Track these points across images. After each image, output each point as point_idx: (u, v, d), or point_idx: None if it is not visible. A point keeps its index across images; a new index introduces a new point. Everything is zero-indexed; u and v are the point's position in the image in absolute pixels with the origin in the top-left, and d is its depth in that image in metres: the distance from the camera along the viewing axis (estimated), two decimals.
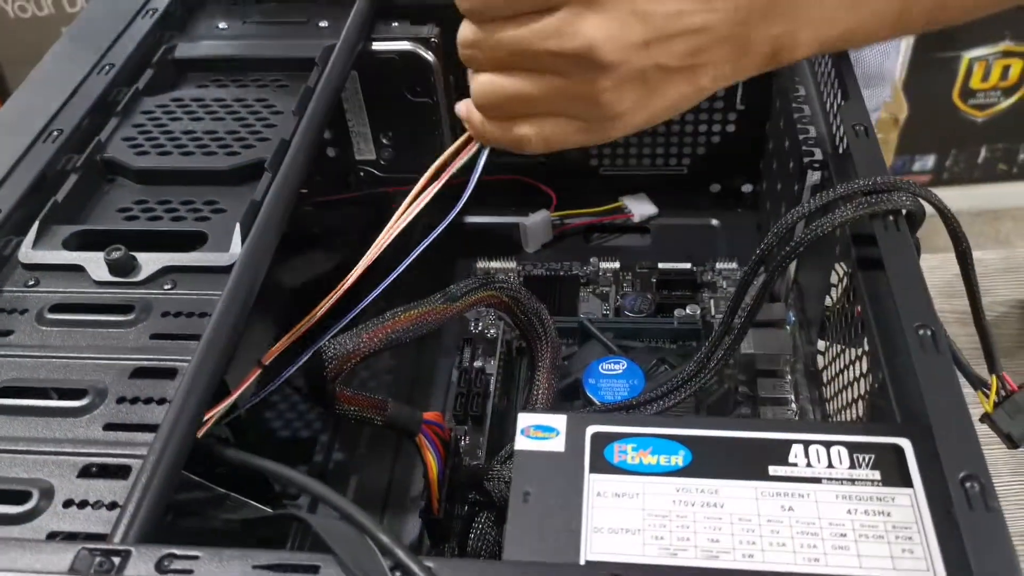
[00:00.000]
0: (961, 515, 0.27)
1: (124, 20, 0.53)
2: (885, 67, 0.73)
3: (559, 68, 0.35)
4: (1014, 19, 1.70)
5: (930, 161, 1.94)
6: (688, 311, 0.57)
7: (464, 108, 0.40)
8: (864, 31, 0.37)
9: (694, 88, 0.37)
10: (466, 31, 0.36)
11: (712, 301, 0.58)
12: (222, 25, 0.55)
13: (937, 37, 1.74)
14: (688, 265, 0.60)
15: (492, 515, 0.42)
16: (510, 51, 0.35)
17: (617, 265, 0.61)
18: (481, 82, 0.37)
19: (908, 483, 0.30)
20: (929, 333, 0.32)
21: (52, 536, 0.30)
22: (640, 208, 0.65)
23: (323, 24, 0.54)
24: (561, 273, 0.61)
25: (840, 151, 0.44)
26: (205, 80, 0.51)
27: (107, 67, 0.49)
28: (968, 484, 0.28)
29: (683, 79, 0.36)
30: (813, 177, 0.47)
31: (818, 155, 0.48)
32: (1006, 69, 1.82)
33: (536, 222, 0.62)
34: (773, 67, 0.37)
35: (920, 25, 0.38)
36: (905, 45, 1.76)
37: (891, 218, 0.37)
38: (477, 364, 0.54)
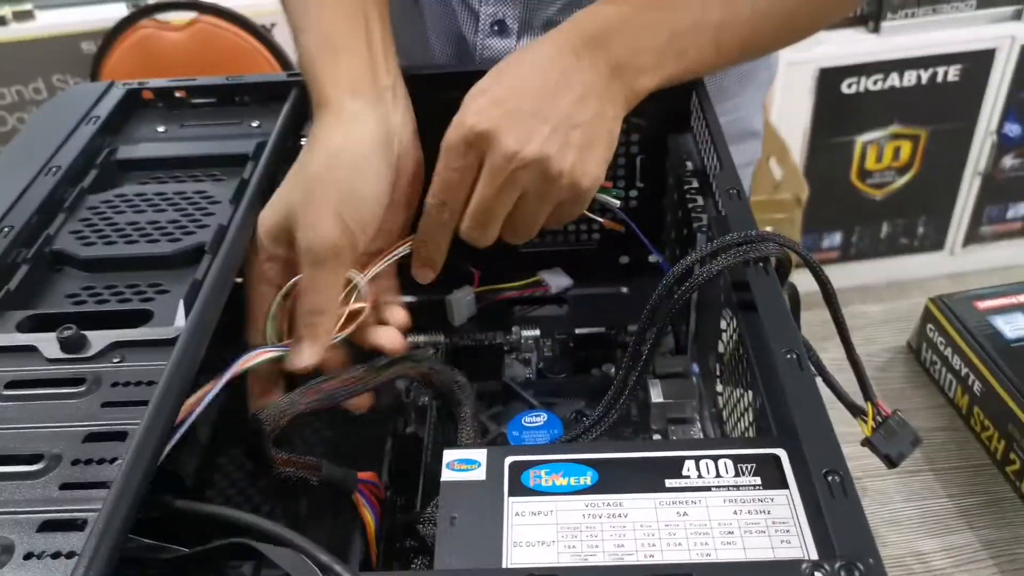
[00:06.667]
0: (825, 504, 0.32)
1: (68, 128, 0.57)
2: (755, 124, 0.81)
3: (519, 183, 0.49)
4: (900, 104, 1.86)
5: (837, 238, 2.07)
6: (603, 369, 0.61)
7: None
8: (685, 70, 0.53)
9: (611, 117, 0.51)
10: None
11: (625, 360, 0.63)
12: (161, 128, 0.59)
13: (831, 124, 1.89)
14: (602, 329, 0.65)
15: (427, 559, 0.44)
16: (487, 211, 0.51)
17: (538, 332, 0.66)
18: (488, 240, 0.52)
19: (784, 485, 0.35)
20: (795, 356, 0.37)
21: None
22: (556, 281, 0.70)
23: (255, 124, 0.59)
24: (486, 343, 0.65)
25: (721, 214, 0.50)
26: (146, 178, 0.55)
27: (54, 169, 0.53)
28: (830, 478, 0.33)
29: (597, 119, 0.50)
30: (702, 240, 0.53)
31: (705, 220, 0.54)
32: (897, 150, 1.98)
33: (460, 298, 0.66)
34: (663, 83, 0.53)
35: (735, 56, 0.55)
36: (801, 131, 1.90)
37: (760, 264, 0.43)
38: (410, 430, 0.57)
